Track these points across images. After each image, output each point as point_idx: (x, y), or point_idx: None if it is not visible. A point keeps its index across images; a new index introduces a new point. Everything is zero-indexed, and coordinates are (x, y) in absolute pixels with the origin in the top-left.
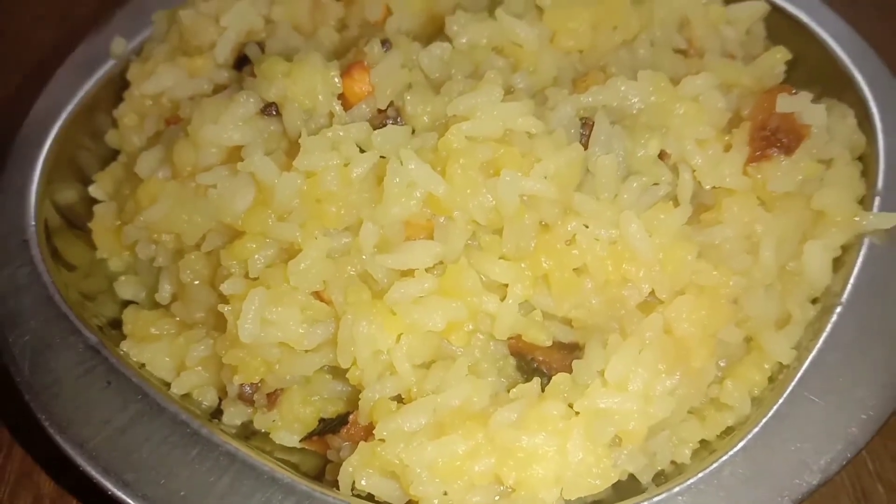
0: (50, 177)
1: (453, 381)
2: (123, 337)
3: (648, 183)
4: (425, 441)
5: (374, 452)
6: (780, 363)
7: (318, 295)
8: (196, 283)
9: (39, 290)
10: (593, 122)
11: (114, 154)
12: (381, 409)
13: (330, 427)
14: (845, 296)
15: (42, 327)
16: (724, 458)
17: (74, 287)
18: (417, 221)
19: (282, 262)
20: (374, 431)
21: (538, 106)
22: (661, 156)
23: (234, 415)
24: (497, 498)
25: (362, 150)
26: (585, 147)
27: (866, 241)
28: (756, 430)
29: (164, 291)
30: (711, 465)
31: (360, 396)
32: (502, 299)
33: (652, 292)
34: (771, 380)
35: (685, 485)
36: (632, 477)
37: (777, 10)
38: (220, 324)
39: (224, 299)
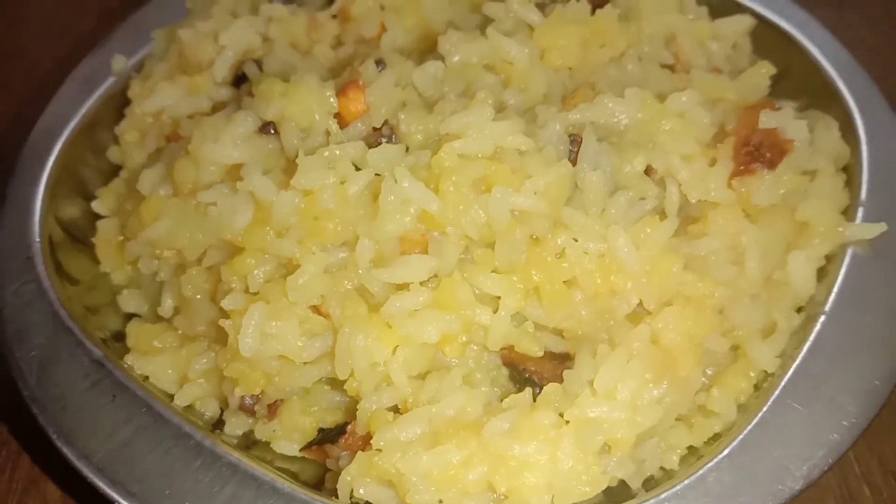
0: (53, 193)
1: (448, 392)
2: (127, 349)
3: (635, 198)
4: (421, 450)
5: (372, 462)
6: (766, 371)
7: (316, 309)
8: (197, 297)
9: (45, 305)
10: (582, 139)
11: (115, 169)
12: (377, 419)
13: (329, 437)
14: (828, 305)
15: (48, 342)
16: (710, 464)
17: (79, 301)
18: (412, 237)
19: (281, 277)
20: (371, 441)
21: (528, 123)
22: (648, 171)
23: (236, 425)
24: None
25: (358, 168)
26: (574, 163)
27: (850, 250)
28: (741, 437)
29: (167, 305)
30: (697, 471)
31: (357, 407)
32: (495, 311)
33: (640, 303)
34: (757, 387)
35: (672, 491)
36: (622, 482)
37: (765, 23)
38: (221, 337)
39: (225, 314)
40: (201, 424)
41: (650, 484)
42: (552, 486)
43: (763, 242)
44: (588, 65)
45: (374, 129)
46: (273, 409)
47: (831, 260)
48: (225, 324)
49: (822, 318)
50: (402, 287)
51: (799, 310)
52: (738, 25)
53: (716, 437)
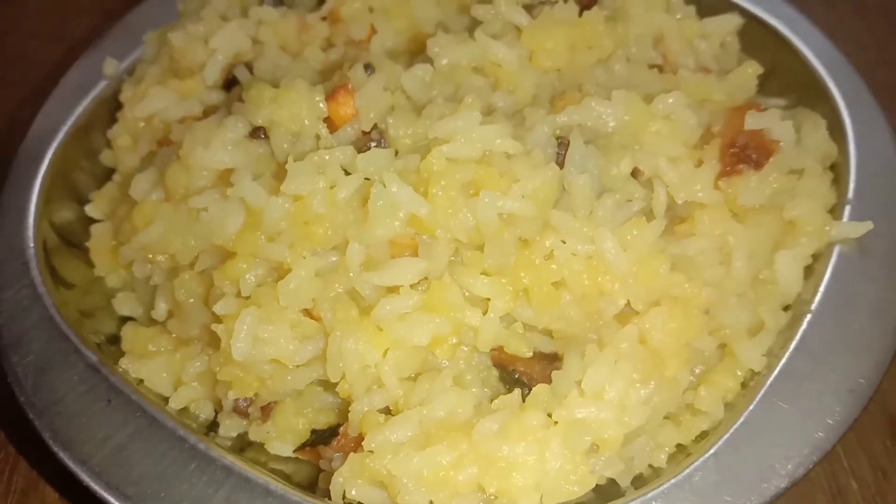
0: (47, 197)
1: (438, 393)
2: (122, 353)
3: (622, 200)
4: (412, 452)
5: (364, 464)
6: (753, 369)
7: (307, 312)
8: (190, 301)
9: (40, 310)
10: (569, 141)
11: (109, 172)
12: (369, 421)
13: (321, 438)
14: (815, 304)
15: (44, 348)
16: (696, 463)
17: (74, 305)
18: (402, 240)
19: (272, 282)
20: (363, 443)
21: (516, 126)
22: (635, 172)
23: (230, 427)
24: None
25: (347, 173)
26: (561, 166)
27: (837, 249)
28: (727, 436)
29: (160, 309)
30: (684, 470)
31: (349, 409)
32: (484, 313)
33: (628, 303)
34: (744, 385)
35: (658, 490)
36: (611, 481)
37: (754, 20)
38: (214, 340)
39: (218, 318)
40: (195, 427)
41: (639, 482)
42: (541, 486)
43: (750, 242)
44: (576, 66)
45: (364, 133)
46: (266, 410)
47: (818, 258)
48: (217, 328)
49: (809, 316)
50: (393, 290)
51: (786, 308)
52: (726, 25)
53: (703, 434)
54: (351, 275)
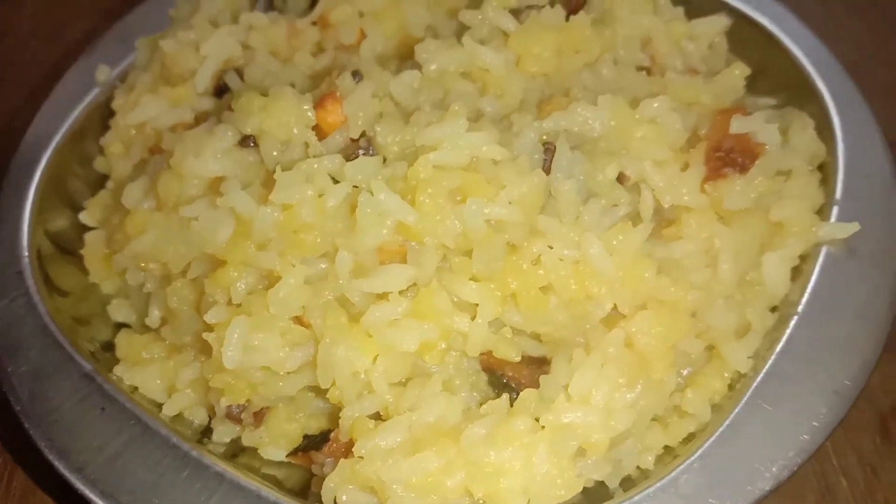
0: (42, 205)
1: (428, 399)
2: (117, 360)
3: (608, 205)
4: (401, 458)
5: (354, 469)
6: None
7: (298, 319)
8: (184, 308)
9: (35, 319)
10: (555, 147)
11: (103, 179)
12: (359, 427)
13: (313, 444)
14: (801, 306)
15: (39, 357)
16: (682, 466)
17: (69, 312)
18: (390, 247)
19: (263, 289)
20: (353, 449)
21: (503, 131)
22: (621, 177)
23: (224, 433)
24: None
25: (336, 181)
26: (548, 172)
27: (824, 249)
28: (712, 438)
29: (154, 316)
30: (669, 473)
31: (340, 415)
32: (473, 318)
33: (615, 307)
34: (731, 387)
35: (644, 493)
36: (600, 482)
37: (743, 19)
38: (207, 347)
39: (209, 326)
40: (189, 435)
41: (627, 483)
42: (528, 490)
43: (736, 245)
44: (563, 71)
45: (352, 140)
46: (259, 416)
47: (806, 259)
48: (209, 337)
49: (795, 318)
50: (382, 296)
51: (773, 309)
52: (714, 26)
53: (691, 436)
54: (340, 282)
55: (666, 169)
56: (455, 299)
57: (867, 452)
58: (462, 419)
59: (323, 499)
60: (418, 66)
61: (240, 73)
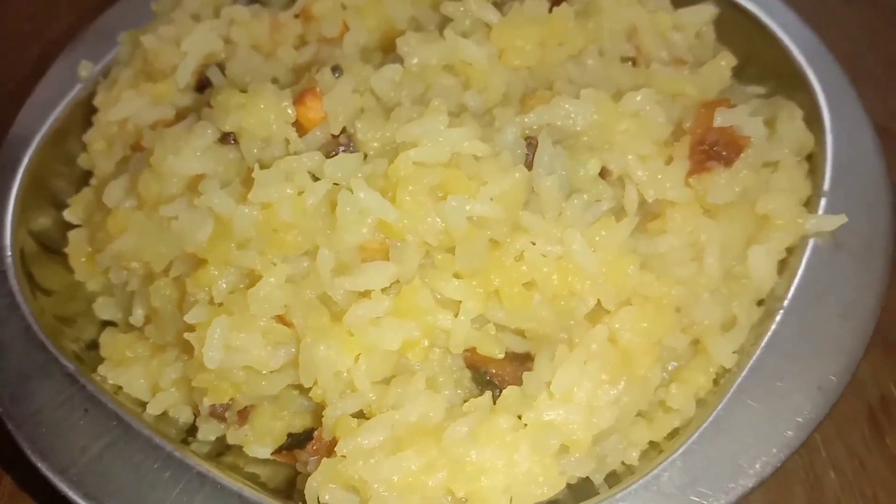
0: (25, 204)
1: (411, 397)
2: (103, 358)
3: (591, 200)
4: (382, 457)
5: (336, 469)
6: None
7: (280, 318)
8: (167, 307)
9: (18, 320)
10: (537, 142)
11: (87, 176)
12: (342, 426)
13: (297, 442)
14: (787, 300)
15: (22, 358)
16: (665, 463)
17: (53, 312)
18: (371, 245)
19: (245, 288)
20: (335, 448)
21: (486, 126)
22: (603, 172)
23: (209, 431)
24: None
25: (315, 178)
26: (530, 167)
27: (811, 242)
28: (696, 435)
29: (138, 315)
30: (652, 470)
31: (323, 413)
32: (456, 315)
33: (598, 302)
34: (716, 382)
35: (626, 490)
36: (585, 478)
37: (732, 6)
38: (190, 346)
39: (191, 326)
40: (174, 434)
41: (613, 479)
42: (510, 489)
43: (722, 239)
44: (547, 63)
45: (333, 136)
46: (244, 414)
47: (793, 251)
48: (190, 337)
49: (780, 313)
50: (365, 294)
51: (760, 302)
52: (700, 15)
53: (675, 432)
54: (322, 280)
55: (650, 163)
56: (438, 296)
57: (856, 444)
58: (445, 417)
59: (306, 498)
60: (401, 60)
61: (222, 67)
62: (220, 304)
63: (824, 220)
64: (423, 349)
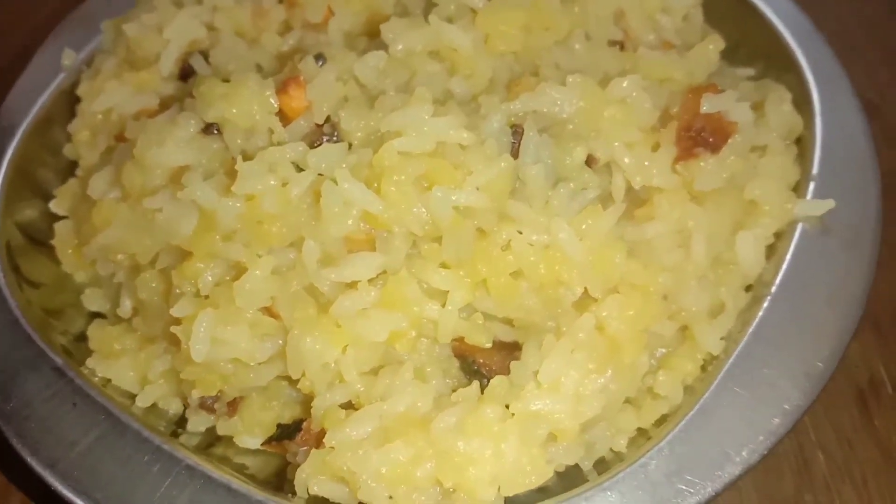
0: (10, 196)
1: (399, 388)
2: (91, 351)
3: (577, 188)
4: (371, 449)
5: (325, 460)
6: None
7: (266, 310)
8: (154, 299)
9: (5, 314)
10: (523, 130)
11: (73, 165)
12: (330, 417)
13: (286, 433)
14: (774, 287)
15: (10, 353)
16: (651, 451)
17: (41, 304)
18: (357, 237)
19: (231, 280)
20: (324, 439)
21: (471, 114)
22: (590, 160)
23: (198, 422)
24: (440, 498)
25: (300, 169)
26: (516, 155)
27: (800, 227)
28: (682, 422)
29: (125, 306)
30: (639, 458)
31: (311, 405)
32: (444, 304)
33: (586, 291)
34: (703, 368)
35: (613, 479)
36: (575, 465)
37: None
38: (178, 338)
39: (178, 319)
40: (163, 426)
41: (601, 466)
42: (498, 478)
43: (709, 225)
44: (533, 49)
45: (317, 125)
46: (233, 406)
47: (781, 236)
48: (177, 330)
49: (768, 299)
50: (352, 286)
51: (748, 288)
52: None
53: (663, 419)
54: (308, 272)
55: (636, 150)
56: (425, 287)
57: (845, 427)
58: (433, 407)
59: (296, 488)
60: (385, 46)
61: (205, 55)
62: (206, 297)
63: (812, 205)
64: (410, 339)
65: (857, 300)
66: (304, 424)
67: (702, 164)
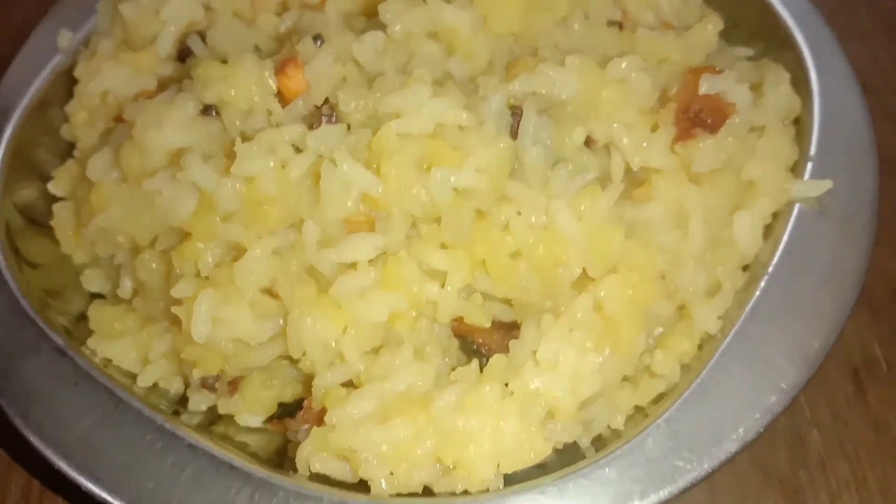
0: (9, 177)
1: (399, 367)
2: (91, 331)
3: (576, 170)
4: (372, 427)
5: (326, 438)
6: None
7: (267, 290)
8: (153, 280)
9: (6, 295)
10: (522, 111)
11: (71, 146)
12: (331, 396)
13: (288, 411)
14: (771, 266)
15: (11, 333)
16: (649, 428)
17: (40, 285)
18: (357, 218)
19: (232, 260)
20: (325, 418)
21: (470, 95)
22: (588, 141)
23: (200, 401)
24: (440, 475)
25: (299, 150)
26: (515, 137)
27: (797, 207)
28: (680, 400)
29: (126, 287)
30: (636, 435)
31: (312, 384)
32: (443, 284)
33: (584, 271)
34: (700, 347)
35: (610, 456)
36: (573, 442)
37: None
38: (178, 318)
39: (178, 300)
40: (165, 406)
41: (599, 443)
42: (497, 455)
43: (707, 206)
44: (532, 29)
45: (316, 107)
46: (234, 385)
47: (778, 217)
48: (178, 311)
49: (765, 279)
50: (352, 266)
51: (745, 268)
52: None
53: (660, 397)
54: (308, 253)
55: (634, 131)
56: (424, 267)
57: (839, 404)
58: (433, 386)
59: (297, 466)
60: (383, 27)
61: (202, 36)
62: (207, 278)
63: (810, 186)
64: (410, 319)
65: (854, 280)
66: (305, 403)
67: (700, 145)
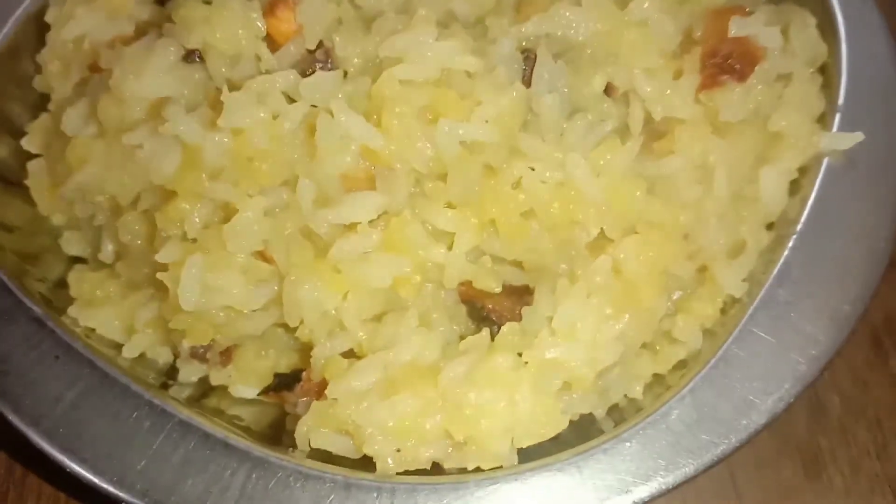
0: None
1: (404, 336)
2: (72, 299)
3: (595, 120)
4: (376, 401)
5: (328, 412)
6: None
7: (260, 254)
8: (136, 243)
9: None
10: (536, 55)
11: (45, 99)
12: (331, 367)
13: (284, 383)
14: (800, 225)
15: None
16: (673, 400)
17: (17, 249)
18: (356, 174)
19: (220, 222)
20: (326, 391)
21: (477, 38)
22: (609, 89)
23: (190, 372)
24: (450, 451)
25: (291, 100)
26: (528, 84)
27: (825, 162)
28: (705, 370)
29: (107, 251)
30: (660, 407)
31: (311, 354)
32: (449, 248)
33: (602, 231)
34: (724, 311)
35: (634, 429)
36: (588, 413)
37: None
38: (165, 284)
39: (164, 265)
40: (151, 379)
41: (616, 413)
42: (511, 430)
43: (732, 159)
44: None
45: (308, 51)
46: (226, 355)
47: (805, 172)
48: (164, 276)
49: (793, 238)
50: (351, 228)
51: (770, 226)
52: None
53: (681, 364)
54: (303, 213)
55: (657, 77)
56: (430, 228)
57: (859, 367)
58: (440, 356)
59: (297, 443)
60: None
61: None
62: (194, 241)
63: (839, 139)
64: (415, 285)
65: (886, 238)
66: (304, 375)
67: (728, 93)
